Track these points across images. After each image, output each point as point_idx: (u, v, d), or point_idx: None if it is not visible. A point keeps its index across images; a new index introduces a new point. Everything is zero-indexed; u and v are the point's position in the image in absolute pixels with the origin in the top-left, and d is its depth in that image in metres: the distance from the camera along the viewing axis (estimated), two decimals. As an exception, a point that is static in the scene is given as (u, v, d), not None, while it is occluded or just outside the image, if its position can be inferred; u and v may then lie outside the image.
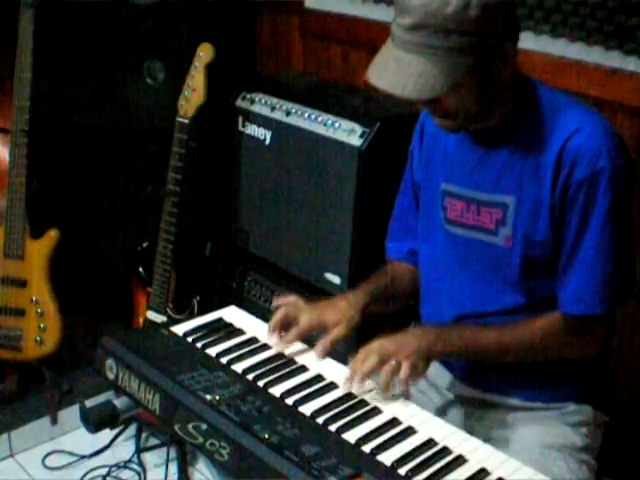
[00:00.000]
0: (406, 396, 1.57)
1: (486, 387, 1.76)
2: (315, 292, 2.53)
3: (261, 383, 1.57)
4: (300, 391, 1.55)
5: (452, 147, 1.72)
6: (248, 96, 2.64)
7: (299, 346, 1.73)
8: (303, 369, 1.64)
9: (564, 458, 1.67)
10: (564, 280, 1.62)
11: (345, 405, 1.52)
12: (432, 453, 1.41)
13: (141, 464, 2.73)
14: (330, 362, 1.68)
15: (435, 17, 1.43)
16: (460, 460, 1.40)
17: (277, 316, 1.74)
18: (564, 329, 1.63)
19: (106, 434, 2.74)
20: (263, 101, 2.60)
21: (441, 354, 1.66)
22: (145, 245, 2.80)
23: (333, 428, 1.45)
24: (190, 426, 1.44)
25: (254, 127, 2.62)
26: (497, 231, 1.65)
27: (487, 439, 1.51)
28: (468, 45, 1.45)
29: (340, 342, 1.72)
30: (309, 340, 1.74)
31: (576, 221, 1.57)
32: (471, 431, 1.52)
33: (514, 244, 1.63)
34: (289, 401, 1.52)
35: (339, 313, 1.74)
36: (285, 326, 1.73)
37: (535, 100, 1.61)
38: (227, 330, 1.76)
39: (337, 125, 2.38)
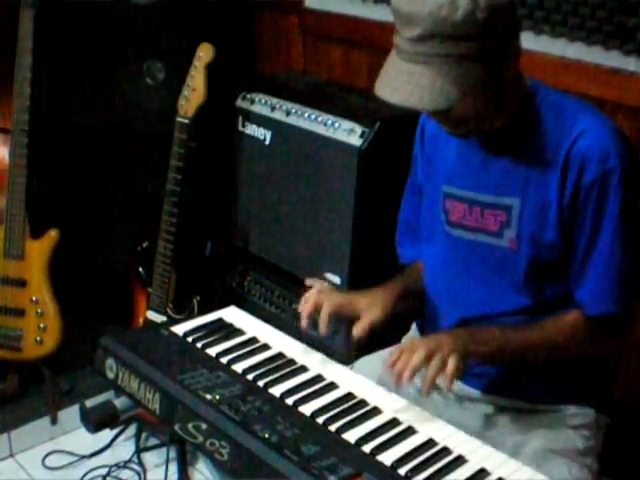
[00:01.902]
0: (449, 389, 1.57)
1: (488, 389, 1.75)
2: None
3: (261, 383, 1.57)
4: (300, 391, 1.55)
5: (453, 149, 1.71)
6: (248, 96, 2.64)
7: (299, 346, 1.73)
8: (303, 369, 1.64)
9: (567, 463, 1.66)
10: (580, 282, 1.61)
11: (345, 405, 1.52)
12: (432, 453, 1.41)
13: (141, 464, 2.73)
14: (330, 362, 1.68)
15: (445, 25, 1.41)
16: (460, 460, 1.40)
17: (310, 299, 1.70)
18: (585, 328, 1.63)
19: (106, 434, 2.74)
20: (263, 101, 2.59)
21: (476, 354, 1.61)
22: (145, 245, 2.79)
23: (333, 428, 1.45)
24: (190, 426, 1.44)
25: (254, 127, 2.62)
26: (501, 233, 1.64)
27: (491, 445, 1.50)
28: (478, 49, 1.44)
29: (377, 325, 1.68)
30: (310, 342, 1.73)
31: (589, 223, 1.57)
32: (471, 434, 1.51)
33: (520, 246, 1.63)
34: (289, 401, 1.52)
35: (372, 298, 1.72)
36: (314, 322, 1.69)
37: (538, 101, 1.60)
38: (227, 330, 1.76)
39: (337, 125, 2.38)
